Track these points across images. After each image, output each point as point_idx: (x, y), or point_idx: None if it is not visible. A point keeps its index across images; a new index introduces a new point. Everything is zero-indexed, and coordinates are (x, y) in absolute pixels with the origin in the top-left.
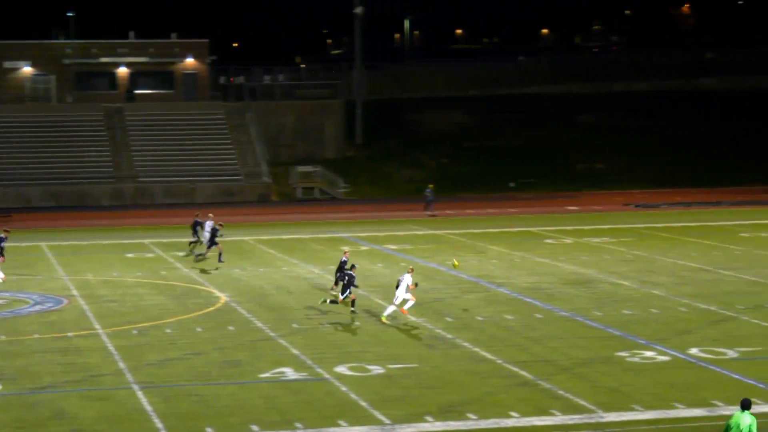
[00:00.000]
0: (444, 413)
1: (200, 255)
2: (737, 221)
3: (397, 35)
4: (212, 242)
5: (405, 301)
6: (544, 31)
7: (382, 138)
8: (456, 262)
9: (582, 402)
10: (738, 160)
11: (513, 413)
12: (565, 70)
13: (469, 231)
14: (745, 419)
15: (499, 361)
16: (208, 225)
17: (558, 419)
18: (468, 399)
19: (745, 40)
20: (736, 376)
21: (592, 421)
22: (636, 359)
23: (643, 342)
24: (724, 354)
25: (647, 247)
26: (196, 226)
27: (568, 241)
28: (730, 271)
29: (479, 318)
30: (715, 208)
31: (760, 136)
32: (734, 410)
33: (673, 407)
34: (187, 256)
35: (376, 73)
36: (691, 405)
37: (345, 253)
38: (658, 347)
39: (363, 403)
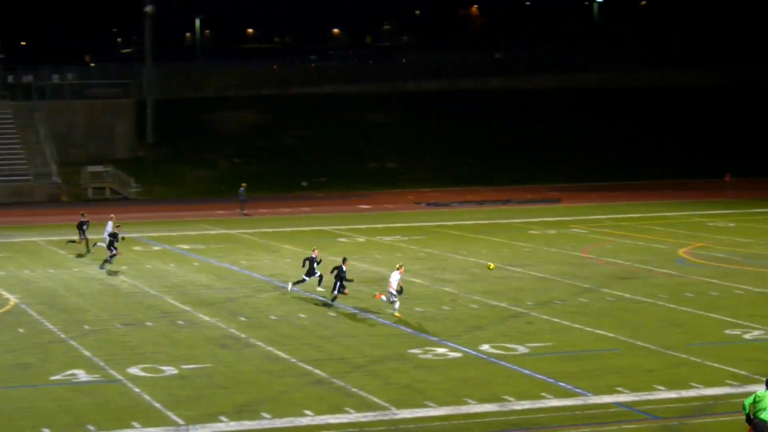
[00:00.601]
0: (238, 413)
1: (107, 259)
2: (526, 219)
3: (188, 34)
4: (113, 246)
5: (388, 293)
6: (336, 31)
7: (174, 138)
8: (491, 265)
9: (375, 399)
10: (526, 159)
11: (307, 412)
12: (357, 69)
13: (263, 230)
14: None
15: (293, 360)
16: (109, 226)
17: (352, 417)
18: (262, 398)
19: (531, 41)
20: (526, 372)
21: (386, 418)
22: (428, 356)
23: (435, 339)
24: (515, 350)
25: (439, 245)
26: (82, 226)
27: (361, 239)
28: (519, 268)
29: (273, 317)
30: (505, 207)
31: (547, 136)
32: (526, 405)
33: (465, 403)
34: (80, 256)
35: (167, 73)
36: (482, 400)
37: (314, 251)
38: (449, 344)
39: (156, 404)
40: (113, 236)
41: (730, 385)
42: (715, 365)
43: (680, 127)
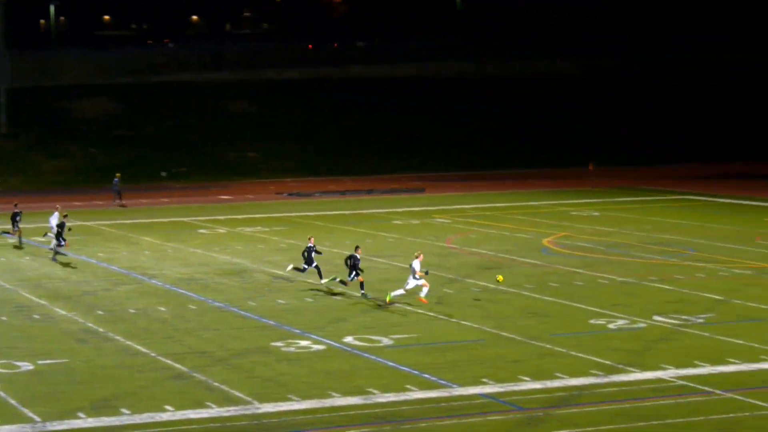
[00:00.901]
0: (97, 409)
1: (55, 251)
2: (390, 209)
3: (42, 21)
4: (61, 237)
5: (420, 288)
6: (195, 18)
7: (30, 127)
8: (500, 278)
9: (237, 393)
10: (389, 148)
11: (168, 407)
12: (216, 57)
13: (121, 222)
14: None
15: (153, 354)
16: (55, 217)
17: (214, 412)
18: (121, 393)
19: (394, 29)
20: (390, 364)
21: (248, 412)
22: (291, 349)
23: (297, 332)
24: (379, 342)
25: (301, 236)
26: (15, 217)
27: (222, 231)
28: (383, 259)
29: (131, 310)
30: (368, 197)
31: (410, 124)
32: (390, 398)
33: (329, 396)
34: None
35: (21, 60)
36: (346, 393)
37: (310, 239)
38: (313, 336)
39: (12, 401)
40: (60, 226)
41: (595, 375)
42: (580, 355)
43: (545, 116)
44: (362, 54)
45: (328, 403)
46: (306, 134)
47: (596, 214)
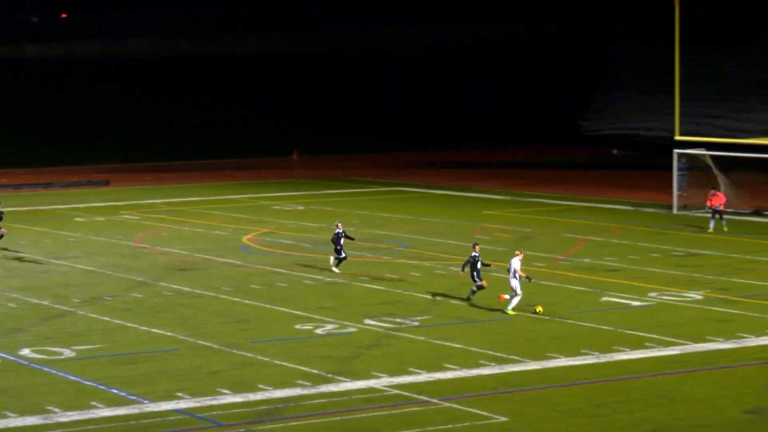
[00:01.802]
0: None
1: None
2: (71, 204)
3: None
4: None
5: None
6: None
7: None
8: (539, 308)
9: None
10: (70, 136)
11: None
12: None
13: None
14: None
15: None
16: None
17: None
18: None
19: (72, 3)
20: (74, 378)
21: None
22: None
23: None
24: (60, 354)
25: None
26: None
27: None
28: (64, 261)
29: None
30: (47, 191)
31: (92, 109)
32: (73, 416)
33: (3, 416)
34: None
35: None
36: (23, 413)
37: (338, 224)
38: None
39: None
40: None
41: (302, 386)
42: (285, 364)
43: (244, 101)
44: (37, 30)
45: (2, 424)
46: None
47: (301, 207)
